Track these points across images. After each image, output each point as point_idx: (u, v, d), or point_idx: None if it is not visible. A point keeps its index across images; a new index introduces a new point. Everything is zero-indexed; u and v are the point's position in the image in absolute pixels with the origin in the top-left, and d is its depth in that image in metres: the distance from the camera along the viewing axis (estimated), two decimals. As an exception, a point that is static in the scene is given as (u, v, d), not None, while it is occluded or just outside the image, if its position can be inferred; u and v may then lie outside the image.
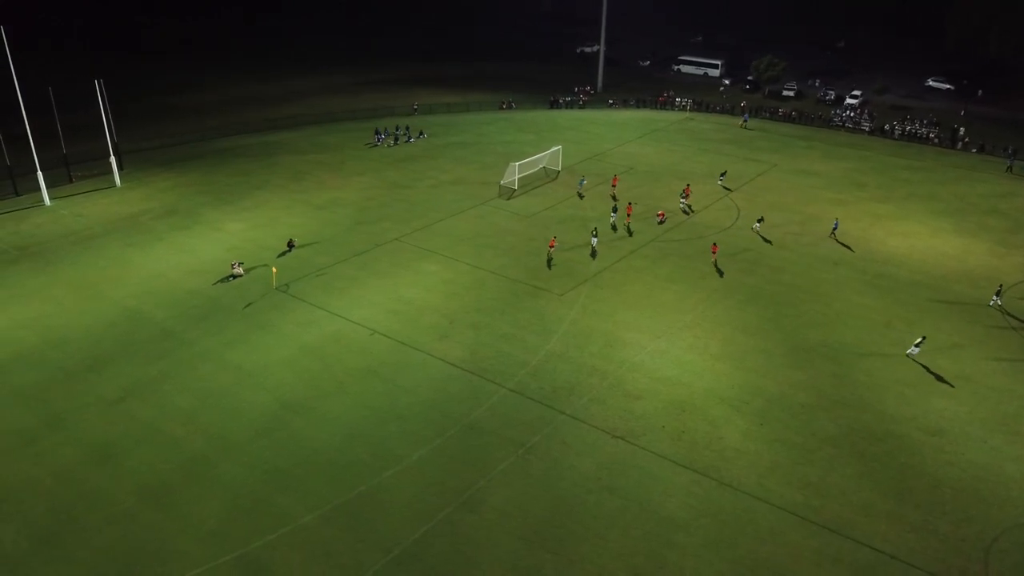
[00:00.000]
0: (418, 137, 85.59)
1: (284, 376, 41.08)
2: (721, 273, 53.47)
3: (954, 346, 45.76)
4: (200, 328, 45.59)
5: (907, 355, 43.94)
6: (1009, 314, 49.44)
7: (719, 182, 71.91)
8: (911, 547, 31.11)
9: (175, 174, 72.46)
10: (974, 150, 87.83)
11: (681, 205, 66.48)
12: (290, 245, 55.73)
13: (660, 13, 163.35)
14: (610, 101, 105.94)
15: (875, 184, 74.63)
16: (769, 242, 59.25)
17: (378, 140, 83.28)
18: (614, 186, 70.65)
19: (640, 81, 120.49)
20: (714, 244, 55.32)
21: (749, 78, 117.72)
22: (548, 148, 75.82)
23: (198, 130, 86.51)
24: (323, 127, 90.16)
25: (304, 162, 76.58)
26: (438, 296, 49.91)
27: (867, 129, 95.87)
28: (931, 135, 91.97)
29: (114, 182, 68.88)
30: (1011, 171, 79.12)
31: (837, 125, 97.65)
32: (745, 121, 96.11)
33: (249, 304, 48.29)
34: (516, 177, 69.57)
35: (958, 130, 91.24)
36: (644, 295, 50.69)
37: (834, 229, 61.22)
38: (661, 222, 62.32)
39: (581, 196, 68.47)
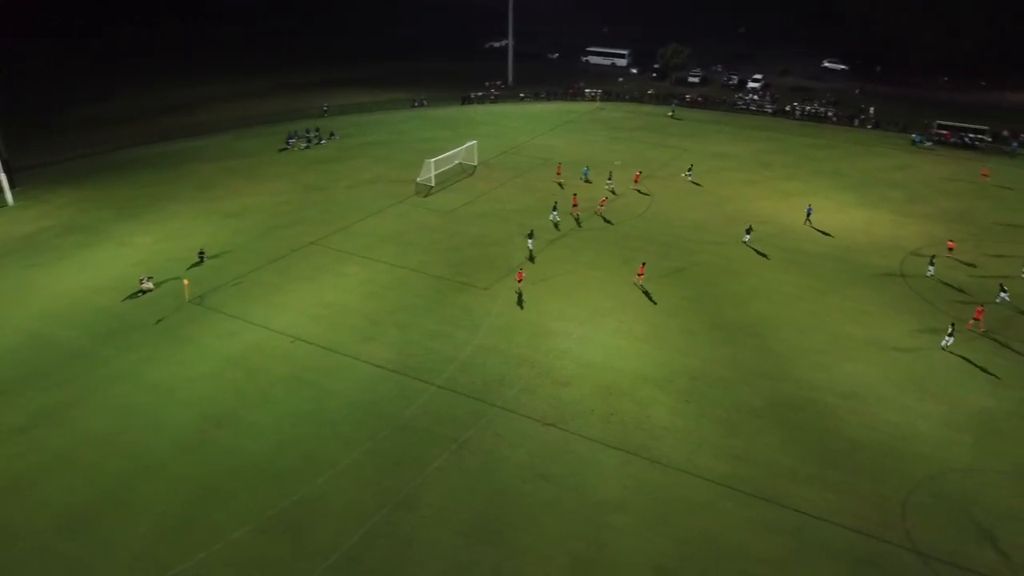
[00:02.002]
0: (329, 139, 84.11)
1: (206, 390, 39.77)
2: (648, 294, 54.15)
3: (864, 313, 47.83)
4: (112, 347, 43.68)
5: (942, 347, 44.32)
6: (944, 283, 51.76)
7: (686, 176, 72.06)
8: (835, 507, 32.39)
9: (75, 189, 69.12)
10: (869, 126, 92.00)
11: (633, 187, 68.83)
12: (201, 256, 53.93)
13: (568, 5, 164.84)
14: (522, 95, 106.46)
15: (782, 163, 77.32)
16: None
17: (289, 144, 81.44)
18: (559, 174, 71.51)
19: (551, 73, 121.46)
20: (642, 264, 51.99)
21: (656, 66, 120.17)
22: (463, 143, 75.64)
23: (101, 141, 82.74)
24: (234, 133, 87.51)
25: (215, 170, 74.21)
26: (360, 298, 49.20)
27: (770, 111, 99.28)
28: (830, 114, 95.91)
29: (5, 201, 65.17)
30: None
31: (742, 108, 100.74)
32: (673, 110, 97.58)
33: (162, 319, 46.54)
34: (433, 174, 69.19)
35: (866, 109, 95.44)
36: (568, 283, 51.16)
37: (808, 216, 61.67)
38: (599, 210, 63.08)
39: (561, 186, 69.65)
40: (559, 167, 72.99)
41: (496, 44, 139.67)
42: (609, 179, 69.60)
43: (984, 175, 73.57)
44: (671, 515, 31.97)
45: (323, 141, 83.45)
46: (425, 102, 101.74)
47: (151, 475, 33.93)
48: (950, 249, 55.43)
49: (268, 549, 30.00)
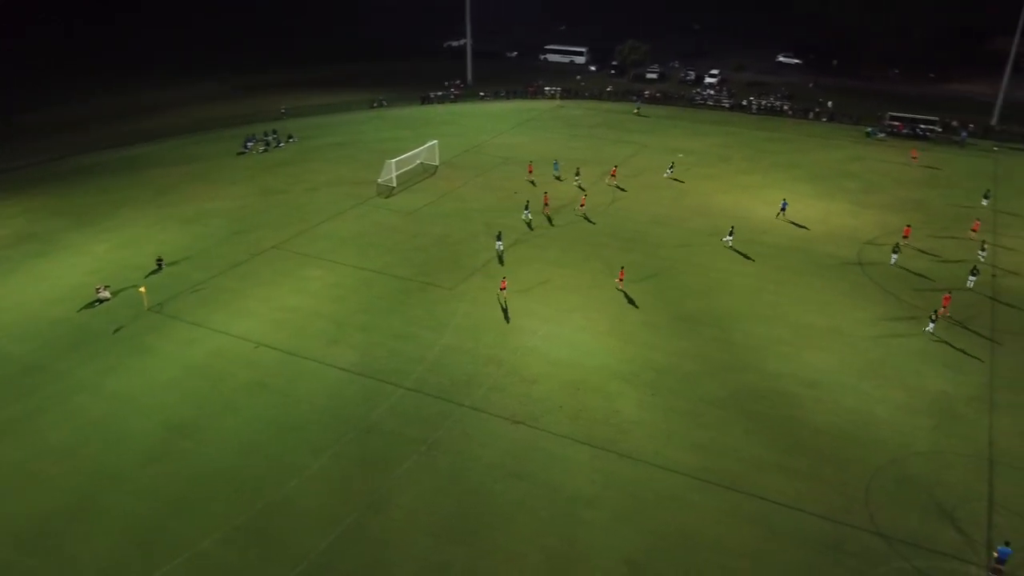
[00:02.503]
0: (288, 141, 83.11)
1: (168, 399, 39.05)
2: (628, 296, 54.41)
3: (824, 303, 48.68)
4: (70, 359, 42.65)
5: (925, 331, 45.24)
6: (906, 270, 52.90)
7: (668, 174, 72.28)
8: (800, 494, 32.93)
9: (27, 197, 67.32)
10: (825, 119, 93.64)
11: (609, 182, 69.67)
12: (159, 263, 52.91)
13: (525, 3, 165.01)
14: (481, 93, 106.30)
15: (740, 157, 78.31)
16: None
17: (247, 147, 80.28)
18: (530, 172, 71.59)
19: (510, 72, 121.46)
20: (622, 269, 51.76)
21: (614, 63, 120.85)
22: (424, 143, 75.30)
23: (53, 148, 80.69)
24: (191, 137, 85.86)
25: (172, 175, 72.80)
26: (324, 301, 48.71)
27: (727, 105, 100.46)
28: (786, 108, 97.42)
29: (-46, 211, 63.36)
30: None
31: (700, 103, 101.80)
32: (639, 107, 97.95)
33: (120, 328, 45.59)
34: (394, 174, 68.77)
35: (824, 103, 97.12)
36: (533, 281, 51.22)
37: (782, 209, 62.30)
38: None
39: (555, 179, 69.91)
40: (530, 165, 73.09)
41: (454, 43, 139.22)
42: (577, 175, 69.75)
43: (913, 157, 76.90)
44: (641, 508, 32.21)
45: (282, 144, 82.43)
46: (385, 102, 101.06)
47: (114, 487, 33.23)
48: (905, 236, 56.69)
49: (236, 558, 29.57)
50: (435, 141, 76.18)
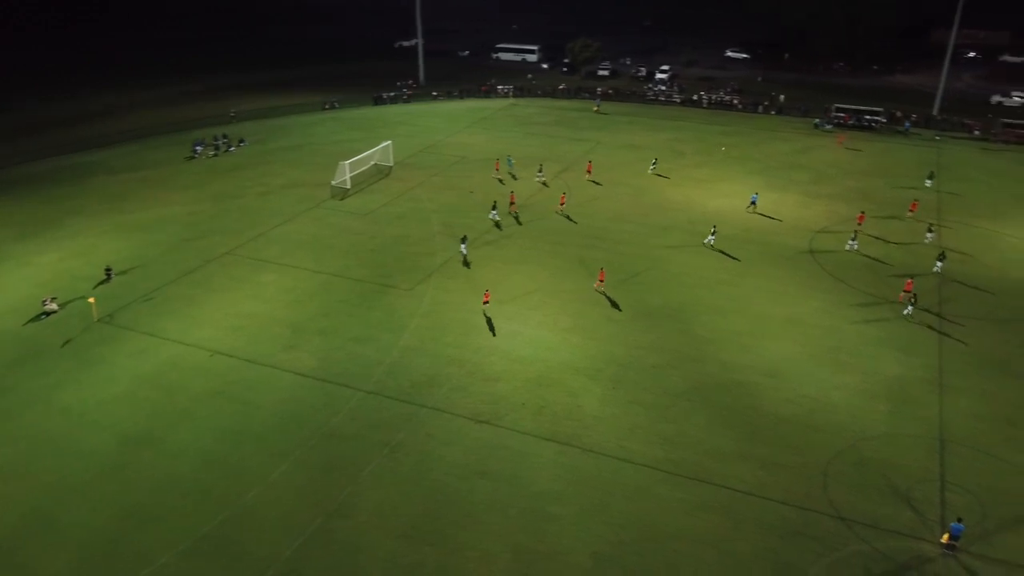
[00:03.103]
0: (238, 145, 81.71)
1: (122, 411, 38.03)
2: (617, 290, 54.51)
3: (781, 293, 49.51)
4: (17, 374, 41.28)
5: (904, 315, 46.41)
6: (866, 255, 54.32)
7: (652, 170, 72.58)
8: (762, 482, 33.42)
9: (-35, 209, 65.08)
10: (774, 112, 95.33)
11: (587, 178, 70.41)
12: (108, 273, 51.52)
13: (476, 2, 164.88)
14: (434, 93, 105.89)
15: (692, 151, 79.27)
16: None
17: (196, 152, 78.67)
18: (497, 170, 71.65)
19: (463, 71, 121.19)
20: (601, 270, 50.93)
21: (566, 61, 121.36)
22: (378, 144, 74.68)
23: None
24: (140, 143, 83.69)
25: (121, 182, 70.93)
26: (280, 306, 47.96)
27: (679, 101, 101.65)
28: (736, 102, 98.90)
29: None
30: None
31: (652, 99, 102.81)
32: (598, 105, 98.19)
33: (69, 341, 44.29)
34: (348, 176, 68.07)
35: (776, 97, 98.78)
36: (493, 279, 51.14)
37: (752, 203, 62.95)
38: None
39: (514, 177, 70.06)
40: (496, 163, 73.09)
41: (406, 43, 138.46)
42: (540, 171, 70.09)
43: (840, 142, 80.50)
44: (607, 502, 32.36)
45: (232, 148, 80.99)
46: (337, 104, 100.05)
47: (69, 504, 32.25)
48: (859, 223, 58.06)
49: (199, 570, 28.92)
50: (389, 142, 75.62)
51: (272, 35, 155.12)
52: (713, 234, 56.28)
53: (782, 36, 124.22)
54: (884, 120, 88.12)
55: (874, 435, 36.21)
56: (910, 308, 46.07)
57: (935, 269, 51.69)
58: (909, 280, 48.83)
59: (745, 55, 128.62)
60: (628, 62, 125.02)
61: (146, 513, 31.65)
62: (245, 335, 44.70)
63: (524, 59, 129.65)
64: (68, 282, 51.10)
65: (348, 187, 67.77)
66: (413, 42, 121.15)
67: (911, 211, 61.38)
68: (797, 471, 34.02)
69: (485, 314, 46.56)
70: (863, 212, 59.54)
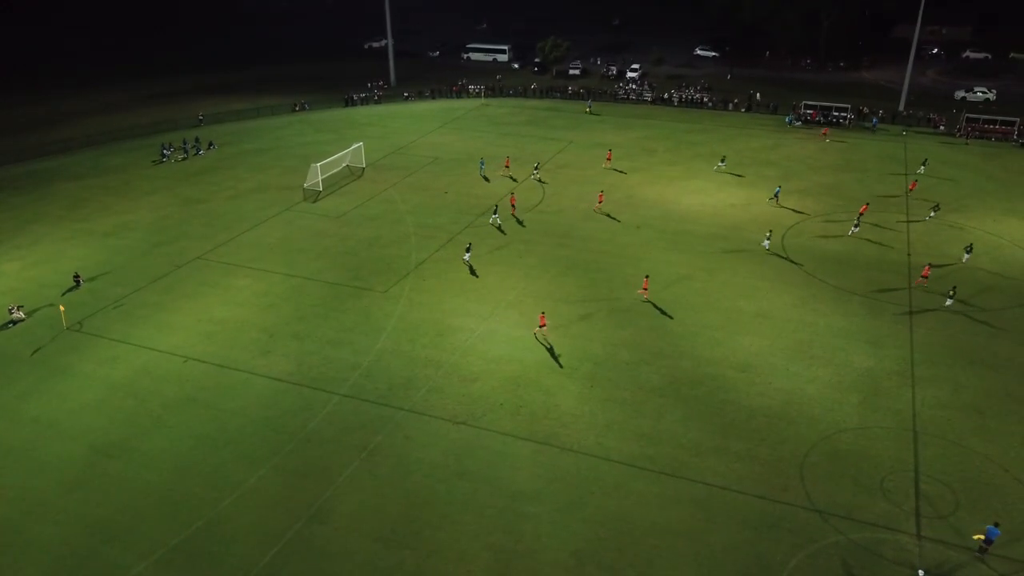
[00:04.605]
0: (207, 148, 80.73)
1: (93, 420, 37.43)
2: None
3: (752, 288, 49.95)
4: (-18, 384, 40.51)
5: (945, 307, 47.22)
6: (837, 248, 54.60)
7: (720, 167, 72.73)
8: (739, 475, 33.72)
9: (-75, 217, 63.61)
10: (743, 110, 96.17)
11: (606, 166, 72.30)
12: (77, 279, 50.66)
13: (446, 2, 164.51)
14: (405, 94, 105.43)
15: (663, 149, 79.71)
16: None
17: (164, 156, 77.61)
18: (507, 167, 72.03)
19: (433, 72, 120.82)
20: (646, 278, 49.07)
21: (536, 60, 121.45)
22: (349, 146, 74.22)
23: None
24: (102, 148, 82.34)
25: (84, 188, 69.76)
26: (254, 311, 47.50)
27: (649, 99, 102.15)
28: (705, 99, 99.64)
29: None
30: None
31: (623, 98, 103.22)
32: (590, 106, 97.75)
33: (38, 349, 43.51)
34: (320, 178, 67.57)
35: (753, 94, 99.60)
36: (467, 280, 51.06)
37: (776, 195, 64.12)
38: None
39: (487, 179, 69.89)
40: (507, 160, 73.44)
41: (376, 44, 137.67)
42: (536, 169, 71.06)
43: (824, 134, 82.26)
44: (585, 499, 32.45)
45: (201, 151, 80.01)
46: (307, 106, 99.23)
47: (40, 515, 31.68)
48: (862, 213, 59.92)
49: (174, 580, 28.58)
50: (360, 143, 75.21)
51: (238, 37, 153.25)
52: (768, 238, 55.61)
53: (749, 34, 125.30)
54: (851, 116, 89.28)
55: (848, 427, 36.68)
56: (949, 301, 47.10)
57: (964, 260, 52.97)
58: (927, 266, 50.38)
59: (714, 53, 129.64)
60: (598, 61, 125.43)
61: (117, 524, 31.17)
62: (218, 340, 44.21)
63: (495, 59, 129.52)
64: (35, 290, 50.23)
65: (320, 189, 67.29)
66: (382, 43, 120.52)
67: (911, 189, 66.40)
68: (772, 464, 34.35)
69: (537, 338, 44.08)
70: (867, 204, 61.54)
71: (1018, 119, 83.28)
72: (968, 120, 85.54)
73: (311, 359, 42.34)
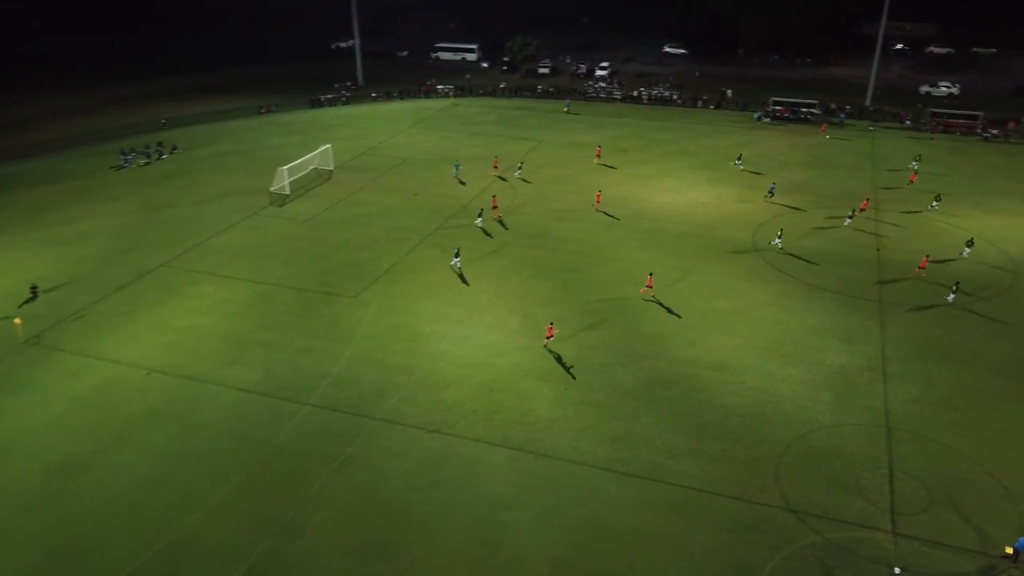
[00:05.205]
0: (172, 152, 79.06)
1: (53, 437, 36.21)
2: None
3: (725, 287, 49.86)
4: (-64, 402, 39.08)
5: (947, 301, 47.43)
6: (842, 256, 54.64)
7: (737, 164, 72.69)
8: (714, 477, 33.49)
9: None
10: (712, 107, 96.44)
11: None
12: (34, 291, 49.13)
13: (414, 2, 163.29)
14: (373, 94, 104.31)
15: (635, 147, 79.56)
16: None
17: (126, 161, 75.76)
18: (495, 167, 71.77)
19: (401, 72, 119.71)
20: (649, 275, 49.19)
21: (505, 59, 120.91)
22: (317, 148, 73.10)
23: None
24: (62, 154, 79.97)
25: (45, 195, 67.68)
26: (220, 319, 46.41)
27: (619, 97, 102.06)
28: (675, 97, 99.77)
29: None
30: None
31: (593, 96, 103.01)
32: (568, 106, 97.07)
33: (-5, 364, 42.15)
34: (287, 182, 66.38)
35: (724, 91, 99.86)
36: (439, 283, 50.40)
37: (771, 191, 64.36)
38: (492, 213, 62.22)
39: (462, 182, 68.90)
40: (495, 160, 72.70)
41: (343, 44, 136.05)
42: (519, 168, 70.83)
43: (823, 131, 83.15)
44: (562, 506, 32.02)
45: (165, 155, 78.27)
46: (273, 108, 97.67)
47: (-5, 540, 30.55)
48: (863, 208, 60.67)
49: (139, 603, 27.67)
50: (328, 145, 74.08)
51: (202, 38, 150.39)
52: (780, 237, 55.14)
53: (718, 31, 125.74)
54: (819, 112, 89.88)
55: (822, 425, 36.64)
56: (952, 296, 47.11)
57: (963, 254, 53.32)
58: (925, 258, 51.06)
59: (682, 50, 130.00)
60: (568, 60, 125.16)
61: (78, 546, 30.12)
62: (184, 351, 43.11)
63: (463, 58, 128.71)
64: (-9, 302, 48.64)
65: (287, 193, 66.14)
66: (350, 43, 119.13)
67: (911, 181, 67.74)
68: (748, 465, 34.18)
69: (547, 348, 43.08)
70: (867, 199, 62.10)
71: (982, 113, 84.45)
72: (933, 115, 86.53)
73: (279, 368, 41.42)
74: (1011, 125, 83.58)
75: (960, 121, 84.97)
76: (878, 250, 54.75)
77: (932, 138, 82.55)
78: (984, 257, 53.48)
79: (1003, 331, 44.63)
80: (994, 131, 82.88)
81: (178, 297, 49.10)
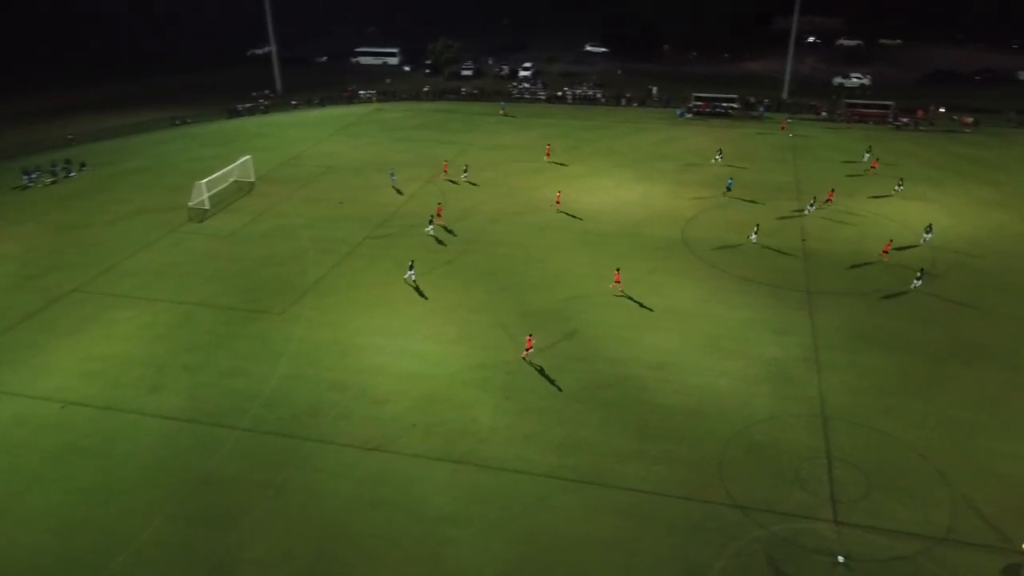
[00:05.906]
0: (80, 170, 75.14)
1: (-42, 482, 33.68)
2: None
3: (658, 284, 50.01)
4: None
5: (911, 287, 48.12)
6: (768, 247, 55.10)
7: (717, 159, 72.90)
8: (660, 478, 33.33)
9: None
10: (635, 104, 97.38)
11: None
12: (-64, 323, 45.90)
13: (330, 6, 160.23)
14: (293, 102, 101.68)
15: (561, 148, 79.47)
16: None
17: (30, 180, 71.53)
18: (445, 171, 70.57)
19: (322, 78, 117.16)
20: (617, 271, 49.74)
21: (428, 62, 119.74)
22: (237, 160, 70.59)
23: None
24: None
25: (-63, 220, 63.50)
26: (140, 344, 44.07)
27: (544, 97, 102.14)
28: (599, 96, 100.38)
29: None
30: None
31: (517, 97, 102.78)
32: (504, 108, 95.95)
33: None
34: (206, 196, 63.80)
35: (650, 90, 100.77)
36: (371, 295, 49.09)
37: (728, 187, 64.79)
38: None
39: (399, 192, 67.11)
40: (445, 164, 71.36)
41: (259, 51, 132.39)
42: (465, 171, 69.70)
43: (783, 128, 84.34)
44: (507, 518, 31.34)
45: (72, 173, 74.32)
46: (188, 119, 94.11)
47: None
48: (828, 199, 61.60)
49: (62, 657, 25.78)
50: (248, 156, 71.60)
51: (103, 46, 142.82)
52: (756, 232, 55.34)
53: (639, 30, 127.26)
54: (738, 106, 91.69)
55: (761, 418, 36.92)
56: (917, 282, 48.11)
57: (923, 241, 54.58)
58: (888, 242, 52.53)
59: (604, 49, 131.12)
60: (491, 61, 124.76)
61: (-6, 598, 28.00)
62: (101, 380, 40.73)
63: (385, 62, 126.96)
64: None
65: (207, 208, 63.58)
66: (266, 49, 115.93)
67: (873, 167, 69.37)
68: (693, 464, 34.14)
69: (527, 360, 41.71)
70: (833, 190, 62.87)
71: (892, 103, 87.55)
72: (848, 105, 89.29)
73: (205, 392, 39.52)
74: (920, 114, 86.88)
75: (873, 111, 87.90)
76: (803, 240, 55.85)
77: (848, 127, 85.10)
78: (901, 242, 55.08)
79: (929, 316, 45.92)
80: (904, 120, 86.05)
81: (94, 323, 46.47)
